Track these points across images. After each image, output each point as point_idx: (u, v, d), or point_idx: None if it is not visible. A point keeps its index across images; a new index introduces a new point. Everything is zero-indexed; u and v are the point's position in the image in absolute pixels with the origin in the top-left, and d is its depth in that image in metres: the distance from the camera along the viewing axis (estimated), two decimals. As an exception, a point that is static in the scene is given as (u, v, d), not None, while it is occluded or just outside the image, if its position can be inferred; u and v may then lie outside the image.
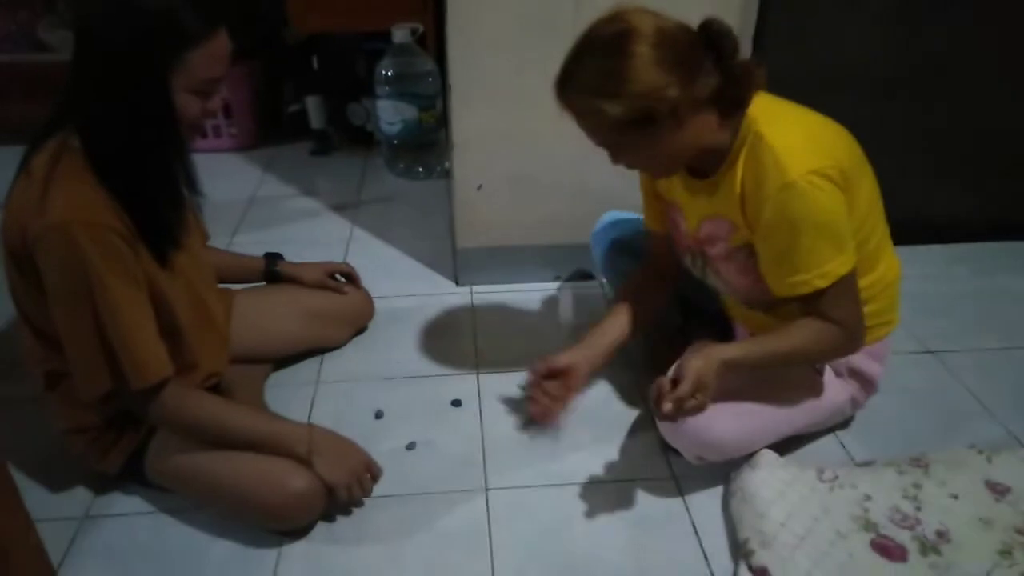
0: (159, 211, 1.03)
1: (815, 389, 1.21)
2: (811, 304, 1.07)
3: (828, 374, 1.21)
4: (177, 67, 0.93)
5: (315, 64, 2.47)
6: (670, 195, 1.23)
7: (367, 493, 1.14)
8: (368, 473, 1.13)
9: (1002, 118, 1.80)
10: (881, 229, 1.16)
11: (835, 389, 1.22)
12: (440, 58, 2.16)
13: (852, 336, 1.09)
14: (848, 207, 1.04)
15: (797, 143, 1.02)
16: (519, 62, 1.54)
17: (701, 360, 1.03)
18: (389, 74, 2.24)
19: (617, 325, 1.30)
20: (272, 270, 1.46)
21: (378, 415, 1.37)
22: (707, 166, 1.10)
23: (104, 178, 0.96)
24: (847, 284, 1.06)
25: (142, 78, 0.92)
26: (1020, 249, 1.92)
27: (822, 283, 1.04)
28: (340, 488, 1.10)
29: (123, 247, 0.97)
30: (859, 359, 1.21)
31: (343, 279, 1.55)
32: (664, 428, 1.18)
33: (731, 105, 1.04)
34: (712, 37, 1.00)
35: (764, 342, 1.10)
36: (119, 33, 0.91)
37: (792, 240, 1.02)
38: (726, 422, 1.13)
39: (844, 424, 1.33)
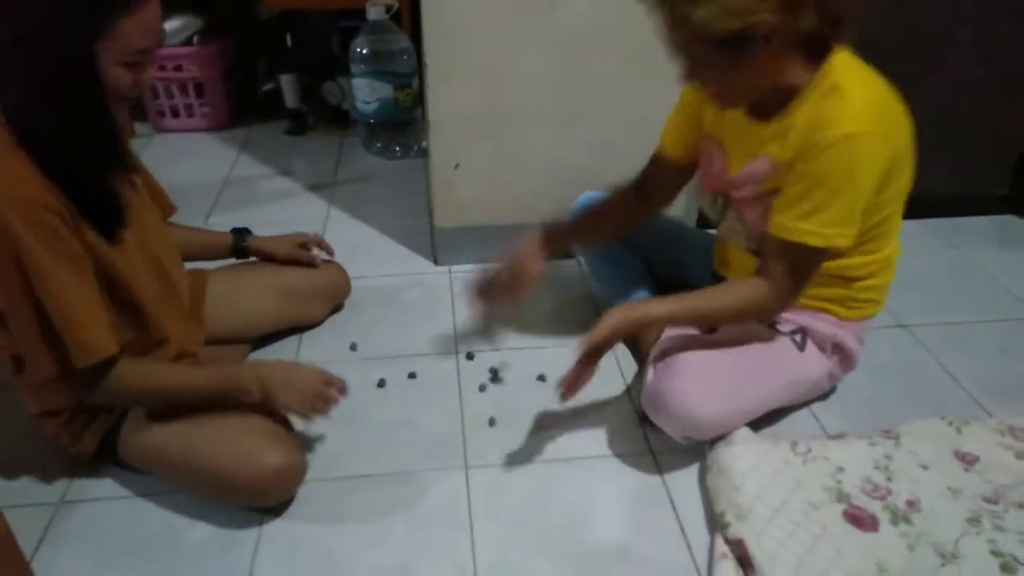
0: (96, 188, 0.99)
1: (798, 365, 1.22)
2: (777, 255, 1.08)
3: (810, 348, 1.23)
4: (105, 36, 0.88)
5: (289, 41, 2.43)
6: (715, 129, 1.20)
7: (329, 406, 1.12)
8: (327, 388, 1.12)
9: (978, 94, 1.82)
10: (900, 211, 1.17)
11: (816, 363, 1.24)
12: (415, 35, 2.13)
13: (781, 304, 1.11)
14: (885, 185, 1.05)
15: (869, 103, 1.02)
16: (495, 40, 1.53)
17: (620, 315, 1.09)
18: (364, 52, 2.20)
19: (579, 221, 1.35)
20: (240, 246, 1.43)
21: (380, 384, 1.39)
22: (772, 105, 1.08)
23: (33, 155, 0.91)
24: (820, 258, 1.07)
25: (68, 49, 0.88)
26: (993, 224, 1.96)
27: (813, 241, 1.04)
28: (303, 412, 1.10)
29: (58, 224, 0.92)
30: (845, 335, 1.23)
31: (315, 251, 1.52)
32: (652, 412, 1.18)
33: (819, 49, 1.02)
34: None
35: (691, 300, 1.13)
36: (43, 7, 0.85)
37: (821, 186, 1.02)
38: (711, 405, 1.14)
39: (818, 397, 1.35)
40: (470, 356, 1.47)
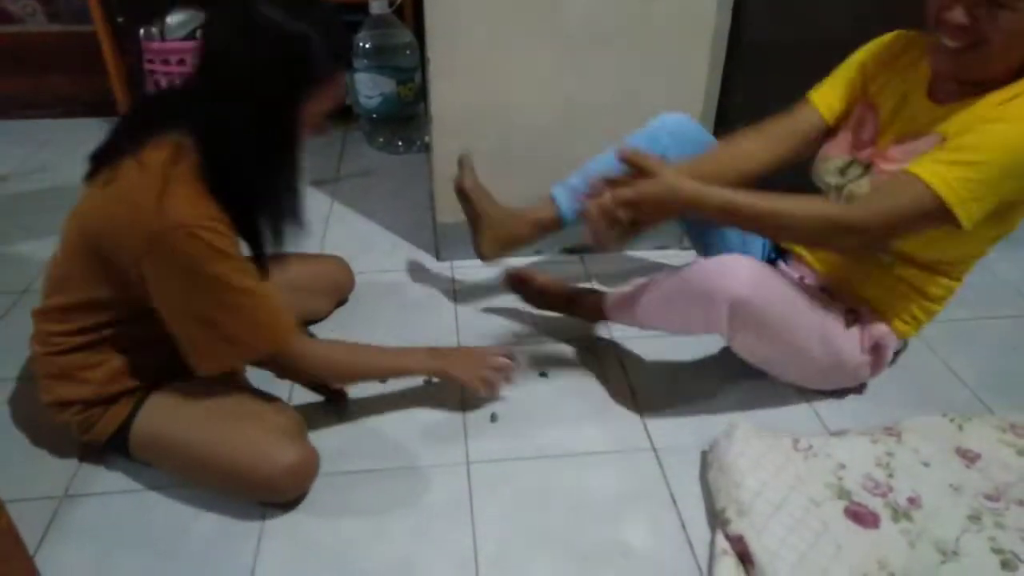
0: (262, 233, 1.07)
1: (839, 333, 1.22)
2: (886, 186, 1.04)
3: (854, 332, 1.23)
4: (309, 99, 0.99)
5: (291, 36, 2.42)
6: (878, 99, 1.19)
7: (499, 383, 1.27)
8: (496, 369, 1.25)
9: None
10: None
11: (853, 346, 1.24)
12: (419, 30, 2.13)
13: (858, 233, 1.04)
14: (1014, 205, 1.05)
15: None
16: (498, 34, 1.53)
17: (665, 186, 1.04)
18: (367, 46, 2.20)
19: (711, 159, 1.27)
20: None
21: (382, 379, 1.37)
22: (983, 80, 1.04)
23: (214, 190, 0.99)
24: (924, 207, 1.00)
25: (280, 108, 0.98)
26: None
27: (932, 180, 0.99)
28: (474, 382, 1.24)
29: (233, 239, 1.01)
30: (887, 342, 1.24)
31: None
32: (706, 275, 1.15)
33: None
34: None
35: (757, 196, 1.05)
36: (265, 65, 0.94)
37: (976, 150, 0.99)
38: (753, 278, 1.13)
39: (819, 395, 1.35)
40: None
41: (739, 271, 1.14)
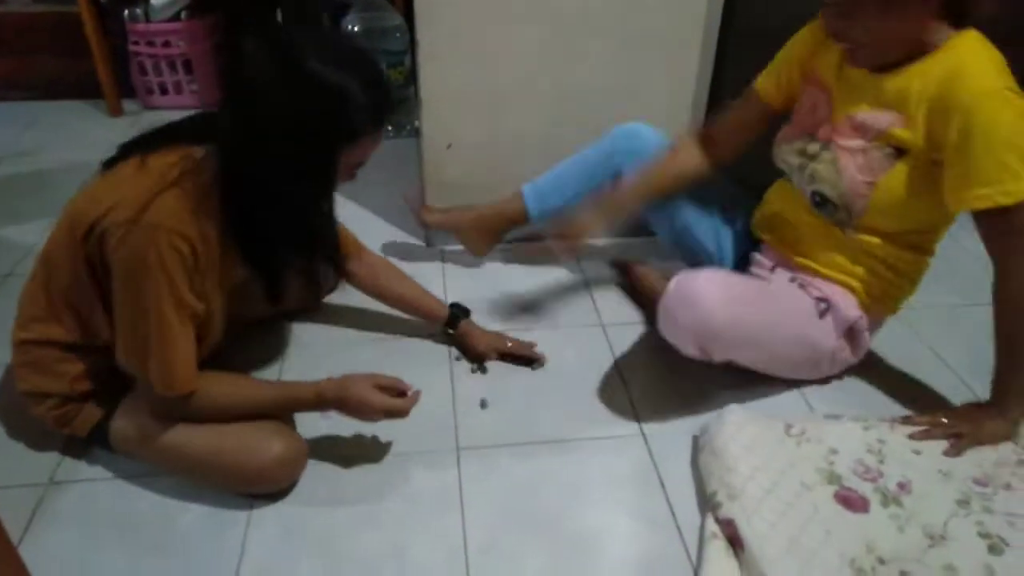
0: (280, 269, 1.10)
1: (813, 326, 1.23)
2: (994, 224, 1.06)
3: (828, 320, 1.23)
4: (345, 152, 0.98)
5: (279, 17, 2.39)
6: (825, 76, 1.21)
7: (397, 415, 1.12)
8: (384, 416, 1.11)
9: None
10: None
11: (828, 337, 1.24)
12: (408, 12, 2.10)
13: None
14: None
15: (997, 67, 1.04)
16: (488, 18, 1.51)
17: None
18: (356, 29, 2.17)
19: (642, 180, 1.36)
20: (453, 325, 1.42)
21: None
22: (896, 60, 1.10)
23: (228, 215, 1.00)
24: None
25: (314, 158, 0.97)
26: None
27: (1005, 200, 1.02)
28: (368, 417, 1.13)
29: (190, 260, 0.98)
30: (863, 324, 1.25)
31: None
32: (670, 315, 1.17)
33: (958, 14, 1.05)
34: None
35: None
36: (305, 115, 0.93)
37: (982, 149, 1.02)
38: (730, 310, 1.14)
39: (810, 381, 1.35)
40: None
41: (698, 306, 1.13)
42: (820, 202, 1.21)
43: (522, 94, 1.61)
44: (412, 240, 1.80)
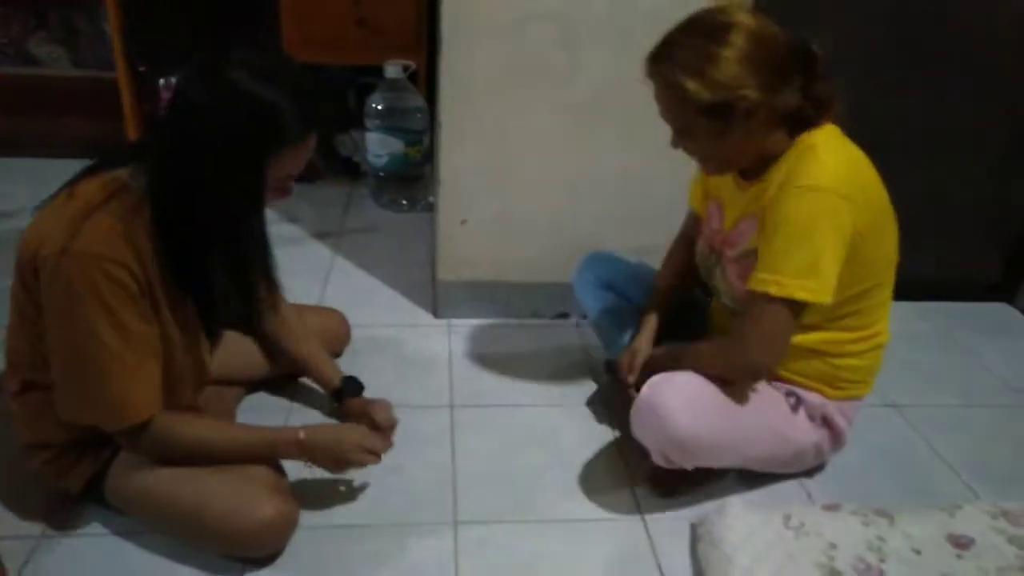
0: (213, 286, 1.07)
1: (789, 424, 1.22)
2: (746, 308, 1.11)
3: (802, 414, 1.23)
4: (273, 161, 0.98)
5: (306, 93, 2.50)
6: (716, 190, 1.26)
7: (365, 464, 1.16)
8: (366, 457, 1.15)
9: (964, 182, 1.88)
10: (887, 292, 1.20)
11: (805, 429, 1.24)
12: (430, 95, 2.21)
13: (747, 361, 1.12)
14: (859, 249, 1.07)
15: (840, 165, 1.06)
16: (509, 103, 1.58)
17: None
18: (379, 108, 2.28)
19: (661, 301, 1.40)
20: (342, 398, 1.37)
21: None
22: (757, 169, 1.14)
23: (160, 234, 0.99)
24: (783, 313, 1.06)
25: (243, 164, 0.97)
26: (979, 310, 1.99)
27: (773, 290, 1.05)
28: (340, 469, 1.16)
29: (134, 287, 0.97)
30: (833, 411, 1.24)
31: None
32: (639, 424, 1.16)
33: (802, 125, 1.09)
34: (806, 56, 1.05)
35: (674, 347, 1.25)
36: (233, 125, 0.95)
37: (778, 234, 1.05)
38: (700, 425, 1.12)
39: (808, 473, 1.35)
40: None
41: (665, 421, 1.12)
42: (733, 310, 1.24)
43: (537, 177, 1.67)
44: (420, 311, 1.83)
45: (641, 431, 1.18)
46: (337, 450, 1.14)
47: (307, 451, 1.13)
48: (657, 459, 1.19)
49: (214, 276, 1.07)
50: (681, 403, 1.12)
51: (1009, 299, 2.03)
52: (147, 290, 1.00)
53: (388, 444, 1.22)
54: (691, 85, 1.01)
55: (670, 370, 1.17)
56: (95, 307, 0.95)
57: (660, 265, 1.45)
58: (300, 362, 1.39)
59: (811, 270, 1.04)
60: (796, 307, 1.07)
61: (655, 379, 1.16)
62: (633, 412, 1.17)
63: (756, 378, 1.18)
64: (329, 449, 1.14)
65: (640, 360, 1.32)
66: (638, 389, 1.18)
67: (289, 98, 0.96)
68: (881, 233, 1.12)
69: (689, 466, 1.18)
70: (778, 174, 1.10)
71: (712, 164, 1.17)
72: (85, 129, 2.49)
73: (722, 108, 1.02)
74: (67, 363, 0.99)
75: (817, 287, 1.05)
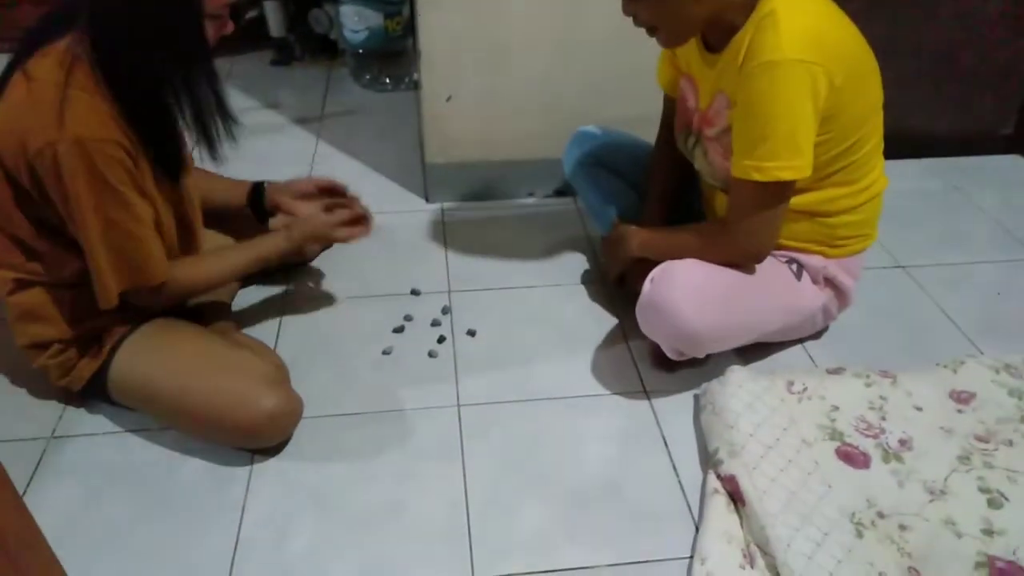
0: (175, 132, 1.05)
1: (794, 292, 1.20)
2: (732, 194, 1.08)
3: (805, 279, 1.21)
4: None
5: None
6: (687, 67, 1.20)
7: (355, 236, 1.27)
8: (344, 224, 1.26)
9: (976, 34, 1.76)
10: (876, 139, 1.14)
11: (811, 294, 1.22)
12: (406, -41, 2.04)
13: (738, 244, 1.11)
14: (834, 112, 1.02)
15: (801, 30, 0.99)
16: (489, -38, 1.45)
17: (609, 251, 1.32)
18: (353, -23, 2.11)
19: (657, 192, 1.37)
20: (256, 197, 1.35)
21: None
22: (720, 38, 1.08)
23: (117, 94, 0.96)
24: (768, 194, 1.05)
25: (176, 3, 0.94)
26: (991, 163, 1.92)
27: (758, 176, 1.03)
28: (333, 237, 1.27)
29: (129, 163, 0.98)
30: (835, 270, 1.21)
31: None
32: (646, 322, 1.16)
33: None
34: None
35: (664, 232, 1.24)
36: None
37: (750, 116, 1.02)
38: (705, 316, 1.11)
39: (813, 336, 1.35)
40: None
41: (673, 318, 1.10)
42: (721, 189, 1.21)
43: (524, 47, 1.57)
44: (411, 195, 1.77)
45: (649, 329, 1.17)
46: (320, 236, 1.27)
47: (295, 250, 1.24)
48: (669, 354, 1.19)
49: (174, 122, 1.04)
50: (685, 296, 1.10)
51: (1023, 151, 1.96)
52: (137, 158, 1.00)
53: (360, 211, 1.30)
54: None
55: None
56: (88, 187, 0.95)
57: (652, 145, 1.39)
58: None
59: (789, 148, 1.01)
60: (782, 187, 1.05)
61: (655, 273, 1.13)
62: (638, 311, 1.16)
63: (756, 262, 1.15)
64: (314, 238, 1.27)
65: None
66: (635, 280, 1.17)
67: None
68: (861, 83, 1.06)
69: (702, 355, 1.19)
70: (741, 44, 1.03)
71: (664, 33, 1.08)
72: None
73: None
74: (102, 239, 0.99)
75: (801, 164, 1.02)
